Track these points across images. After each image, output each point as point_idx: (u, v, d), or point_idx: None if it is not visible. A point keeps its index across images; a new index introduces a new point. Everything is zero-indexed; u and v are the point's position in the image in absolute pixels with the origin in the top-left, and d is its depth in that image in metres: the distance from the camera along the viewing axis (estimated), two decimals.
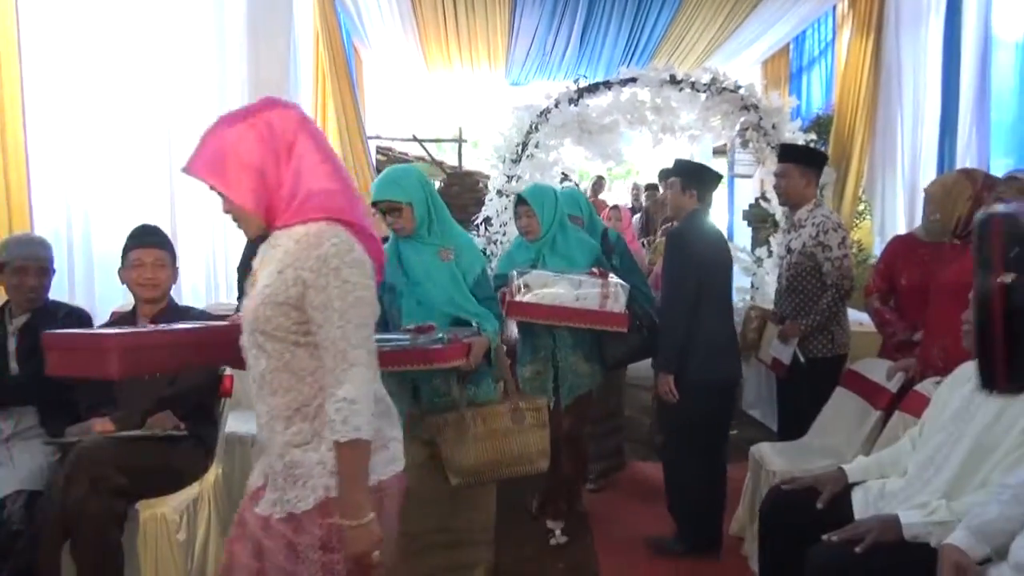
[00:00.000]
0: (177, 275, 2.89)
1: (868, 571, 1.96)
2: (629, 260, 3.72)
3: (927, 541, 1.95)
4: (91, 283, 3.49)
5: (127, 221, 3.09)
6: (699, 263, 3.13)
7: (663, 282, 3.29)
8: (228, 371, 2.81)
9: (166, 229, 3.70)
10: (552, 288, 3.08)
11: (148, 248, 2.76)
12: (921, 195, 3.39)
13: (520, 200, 3.31)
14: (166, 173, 4.00)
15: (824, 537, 2.06)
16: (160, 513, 2.50)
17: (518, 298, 3.04)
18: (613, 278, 3.12)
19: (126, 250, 2.77)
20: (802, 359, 3.43)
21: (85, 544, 2.31)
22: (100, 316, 3.24)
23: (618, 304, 3.04)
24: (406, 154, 9.12)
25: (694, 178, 3.28)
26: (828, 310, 3.37)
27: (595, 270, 3.15)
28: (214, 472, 2.79)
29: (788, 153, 3.69)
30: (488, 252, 5.28)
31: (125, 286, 2.83)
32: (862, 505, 2.24)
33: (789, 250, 3.56)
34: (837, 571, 2.00)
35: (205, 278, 4.46)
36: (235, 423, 3.12)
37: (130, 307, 2.90)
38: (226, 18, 4.42)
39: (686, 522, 3.30)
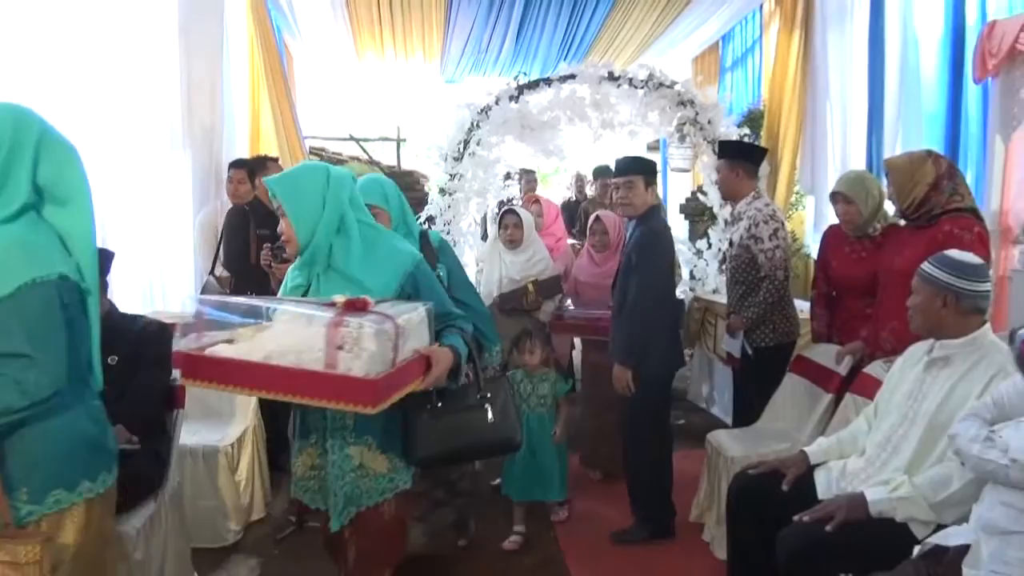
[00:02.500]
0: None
1: (839, 548, 2.03)
2: (460, 274, 2.98)
3: (892, 516, 2.05)
4: None
5: None
6: (667, 261, 3.20)
7: (638, 278, 3.18)
8: (180, 382, 2.70)
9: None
10: (270, 333, 1.85)
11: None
12: None
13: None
14: (94, 177, 3.80)
15: (795, 518, 2.13)
16: (116, 531, 2.38)
17: (208, 352, 1.84)
18: (380, 311, 1.80)
19: None
20: (749, 350, 3.53)
21: None
22: None
23: (370, 362, 1.69)
24: (340, 154, 8.96)
25: (653, 174, 3.34)
26: (765, 301, 3.45)
27: (339, 298, 1.83)
28: (170, 486, 2.68)
29: (723, 149, 3.84)
30: None
31: None
32: (825, 485, 2.33)
33: (731, 243, 3.66)
34: (810, 550, 2.07)
35: (140, 284, 4.27)
36: (188, 435, 3.01)
37: None
38: (157, 17, 4.24)
39: (645, 510, 3.37)
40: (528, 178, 7.01)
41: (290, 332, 1.79)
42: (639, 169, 3.33)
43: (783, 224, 3.52)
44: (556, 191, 11.47)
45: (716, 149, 4.05)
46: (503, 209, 4.21)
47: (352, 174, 2.11)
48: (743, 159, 3.64)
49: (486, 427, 2.08)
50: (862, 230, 3.22)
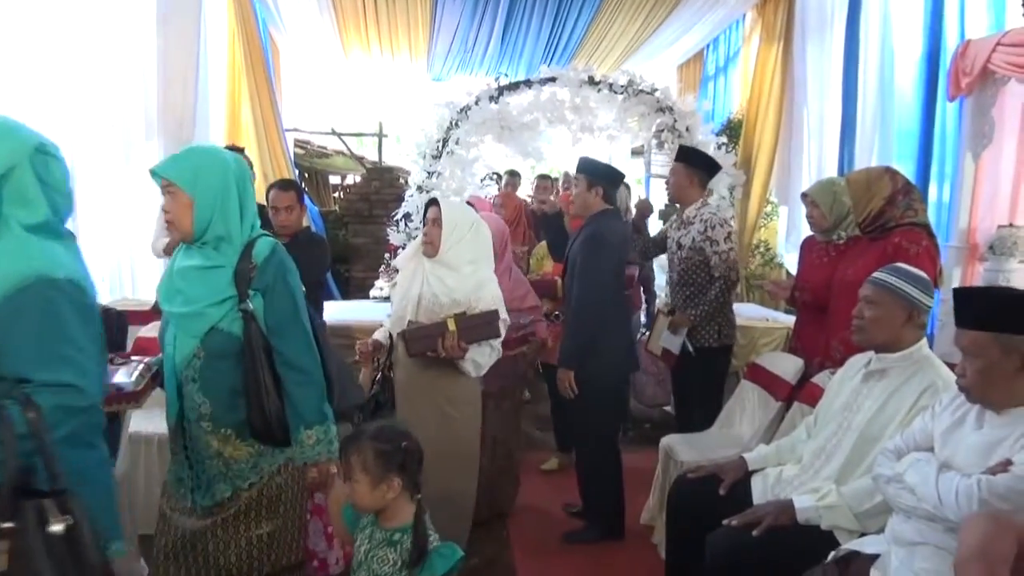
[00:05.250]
0: None
1: (765, 552, 2.06)
2: (286, 310, 2.01)
3: (818, 523, 2.08)
4: None
5: None
6: (614, 265, 3.22)
7: (578, 280, 3.24)
8: None
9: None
10: None
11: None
12: None
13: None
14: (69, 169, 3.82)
15: (724, 521, 2.16)
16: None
17: None
18: None
19: None
20: (691, 349, 3.59)
21: None
22: None
23: None
24: (325, 148, 8.98)
25: (599, 176, 3.35)
26: (716, 301, 3.54)
27: None
28: (119, 473, 2.68)
29: (680, 153, 3.88)
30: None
31: None
32: (761, 491, 2.36)
33: (680, 245, 3.71)
34: (737, 553, 2.10)
35: (109, 273, 4.28)
36: (138, 422, 3.02)
37: None
38: (135, 8, 4.25)
39: (597, 511, 3.40)
40: (512, 180, 6.85)
41: None
42: (582, 168, 3.40)
43: (733, 229, 3.60)
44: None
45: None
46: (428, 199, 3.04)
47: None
48: (700, 168, 3.69)
49: None
50: (827, 235, 3.33)
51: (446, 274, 2.65)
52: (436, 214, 2.67)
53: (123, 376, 2.43)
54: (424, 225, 2.77)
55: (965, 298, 1.78)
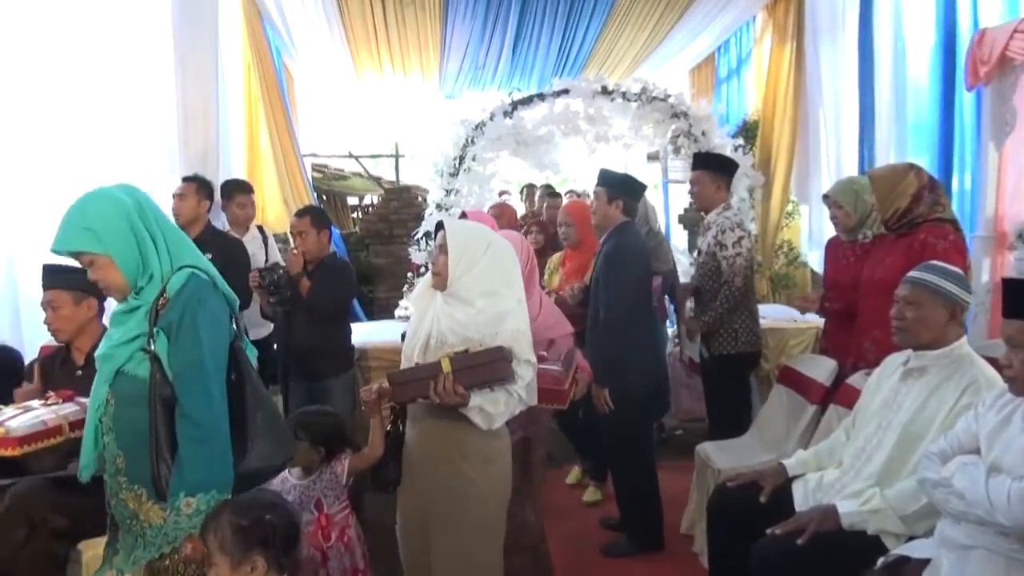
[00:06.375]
0: (95, 305, 2.71)
1: (812, 560, 2.04)
2: (189, 353, 1.77)
3: (864, 529, 2.06)
4: (17, 320, 3.38)
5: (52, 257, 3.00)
6: (637, 277, 3.21)
7: (604, 296, 3.21)
8: None
9: None
10: None
11: (48, 290, 2.65)
12: None
13: None
14: None
15: (768, 531, 2.14)
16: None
17: None
18: None
19: None
20: (703, 356, 3.58)
21: None
22: (29, 353, 3.15)
23: None
24: (342, 170, 9.06)
25: (619, 188, 3.35)
26: (721, 306, 3.47)
27: None
28: None
29: (699, 161, 3.83)
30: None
31: None
32: (802, 497, 2.34)
33: (699, 251, 3.70)
34: (782, 563, 2.08)
35: None
36: None
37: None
38: (151, 44, 4.32)
39: (634, 523, 3.39)
40: (551, 201, 5.89)
41: None
42: (602, 181, 3.38)
43: (749, 235, 3.55)
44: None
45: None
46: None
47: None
48: (724, 172, 3.67)
49: None
50: (853, 234, 3.32)
51: (457, 308, 2.17)
52: (443, 239, 2.21)
53: (22, 419, 2.21)
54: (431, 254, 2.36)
55: (1015, 288, 1.76)
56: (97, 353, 1.81)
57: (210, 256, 3.58)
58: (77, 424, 2.24)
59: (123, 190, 1.82)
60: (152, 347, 1.70)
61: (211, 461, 1.71)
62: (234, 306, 1.89)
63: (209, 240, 3.77)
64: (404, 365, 2.25)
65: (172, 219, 1.93)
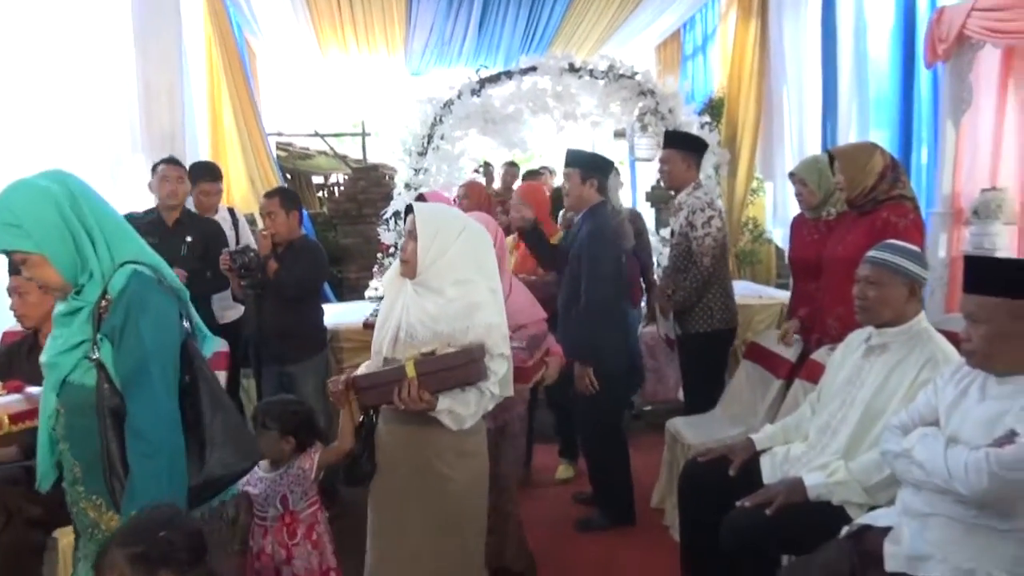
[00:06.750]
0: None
1: (779, 530, 2.12)
2: (134, 357, 1.66)
3: (829, 499, 2.14)
4: None
5: None
6: (615, 256, 3.25)
7: (588, 276, 3.22)
8: None
9: None
10: None
11: (14, 276, 2.57)
12: None
13: None
14: None
15: (737, 503, 2.21)
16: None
17: None
18: None
19: None
20: (674, 334, 3.65)
21: None
22: None
23: None
24: (307, 149, 8.95)
25: (592, 168, 3.37)
26: (690, 286, 3.52)
27: None
28: None
29: (670, 140, 3.84)
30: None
31: None
32: (770, 470, 2.41)
33: (672, 232, 3.75)
34: (752, 534, 2.15)
35: None
36: None
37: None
38: (112, 21, 4.22)
39: (608, 499, 3.46)
40: (509, 171, 6.66)
41: None
42: (572, 161, 3.39)
43: (720, 214, 3.58)
44: None
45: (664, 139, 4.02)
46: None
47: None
48: (691, 150, 3.70)
49: None
50: (816, 212, 3.38)
51: (427, 298, 2.06)
52: (412, 224, 2.09)
53: None
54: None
55: (974, 265, 1.83)
56: (42, 360, 1.71)
57: (190, 239, 3.55)
58: (20, 416, 2.18)
59: (53, 178, 1.66)
60: (96, 355, 1.60)
61: (159, 476, 1.59)
62: (184, 300, 1.78)
63: (187, 222, 3.74)
64: (373, 358, 2.17)
65: (109, 205, 1.74)
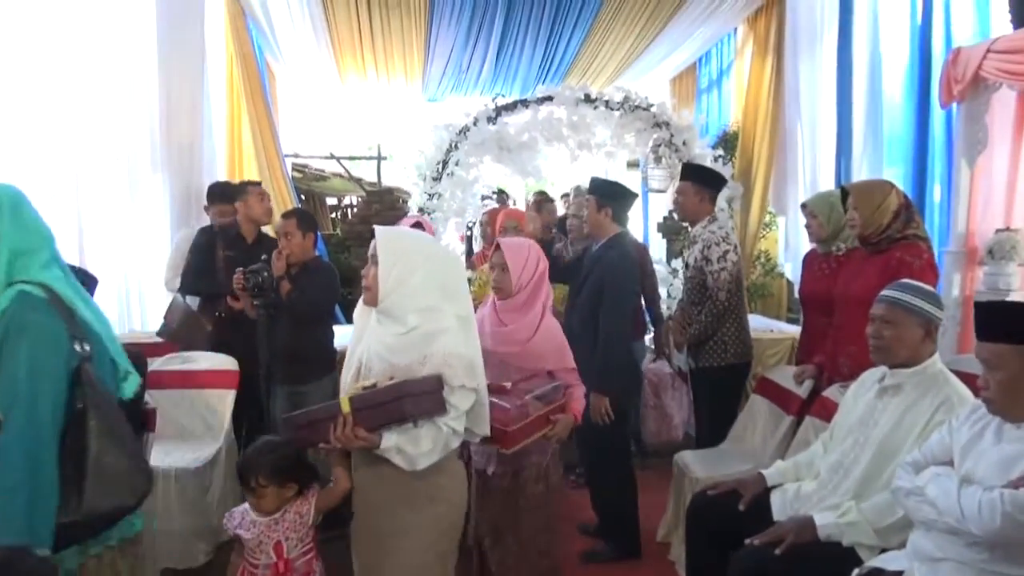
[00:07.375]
0: None
1: (788, 570, 2.09)
2: (16, 377, 1.58)
3: (839, 540, 2.11)
4: None
5: None
6: (636, 291, 3.27)
7: (610, 307, 3.19)
8: (152, 405, 2.74)
9: (73, 258, 3.59)
10: None
11: None
12: None
13: None
14: (74, 203, 3.88)
15: (747, 541, 2.19)
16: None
17: None
18: None
19: None
20: (687, 367, 3.64)
21: None
22: None
23: None
24: (323, 170, 9.02)
25: (608, 196, 3.39)
26: (705, 320, 3.50)
27: None
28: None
29: (686, 172, 3.85)
30: None
31: None
32: (780, 507, 2.39)
33: (687, 265, 3.74)
34: (760, 571, 2.12)
35: (118, 306, 4.31)
36: (161, 457, 3.04)
37: None
38: (136, 42, 4.30)
39: (615, 530, 3.42)
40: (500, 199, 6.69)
41: None
42: (592, 189, 3.45)
43: (735, 248, 3.57)
44: None
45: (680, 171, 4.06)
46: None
47: None
48: (710, 186, 3.70)
49: None
50: (826, 245, 3.40)
51: (388, 327, 1.93)
52: (374, 248, 1.94)
53: None
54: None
55: (986, 312, 1.82)
56: None
57: (265, 257, 3.66)
58: None
59: None
60: None
61: (20, 512, 1.46)
62: (85, 326, 1.66)
63: (264, 240, 4.03)
64: (342, 395, 1.98)
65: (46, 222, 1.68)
